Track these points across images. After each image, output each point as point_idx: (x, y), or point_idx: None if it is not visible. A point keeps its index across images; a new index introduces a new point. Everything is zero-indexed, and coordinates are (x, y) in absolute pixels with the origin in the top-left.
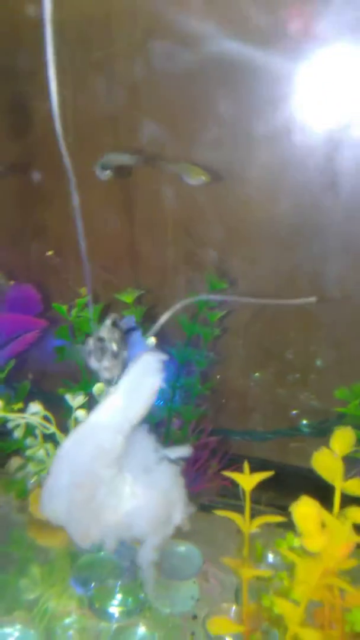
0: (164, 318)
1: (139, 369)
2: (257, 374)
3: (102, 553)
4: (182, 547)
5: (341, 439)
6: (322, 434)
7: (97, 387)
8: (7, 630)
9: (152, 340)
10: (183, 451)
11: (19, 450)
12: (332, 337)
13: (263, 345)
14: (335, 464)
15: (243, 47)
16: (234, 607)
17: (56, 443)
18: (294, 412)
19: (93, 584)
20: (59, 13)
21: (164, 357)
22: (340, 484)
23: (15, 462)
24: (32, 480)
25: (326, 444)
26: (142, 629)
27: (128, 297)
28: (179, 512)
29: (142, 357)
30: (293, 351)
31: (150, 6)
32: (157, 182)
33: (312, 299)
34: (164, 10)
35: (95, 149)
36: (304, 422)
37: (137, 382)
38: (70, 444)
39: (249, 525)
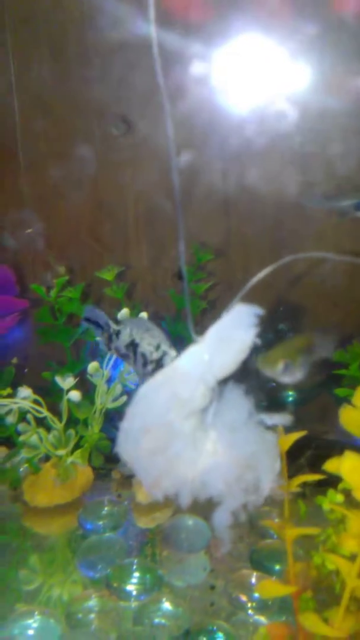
0: (262, 274)
1: (230, 320)
2: None
3: (107, 534)
4: (190, 521)
5: None
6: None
7: (92, 366)
8: (26, 621)
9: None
10: (282, 418)
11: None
12: None
13: None
14: None
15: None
16: (255, 574)
17: (48, 427)
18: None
19: (100, 566)
20: None
21: (258, 310)
22: None
23: (0, 452)
24: (21, 469)
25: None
26: (166, 605)
27: (109, 275)
28: (269, 481)
29: (235, 309)
30: None
31: None
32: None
33: None
34: None
35: None
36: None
37: (227, 334)
38: (147, 387)
39: (288, 485)
